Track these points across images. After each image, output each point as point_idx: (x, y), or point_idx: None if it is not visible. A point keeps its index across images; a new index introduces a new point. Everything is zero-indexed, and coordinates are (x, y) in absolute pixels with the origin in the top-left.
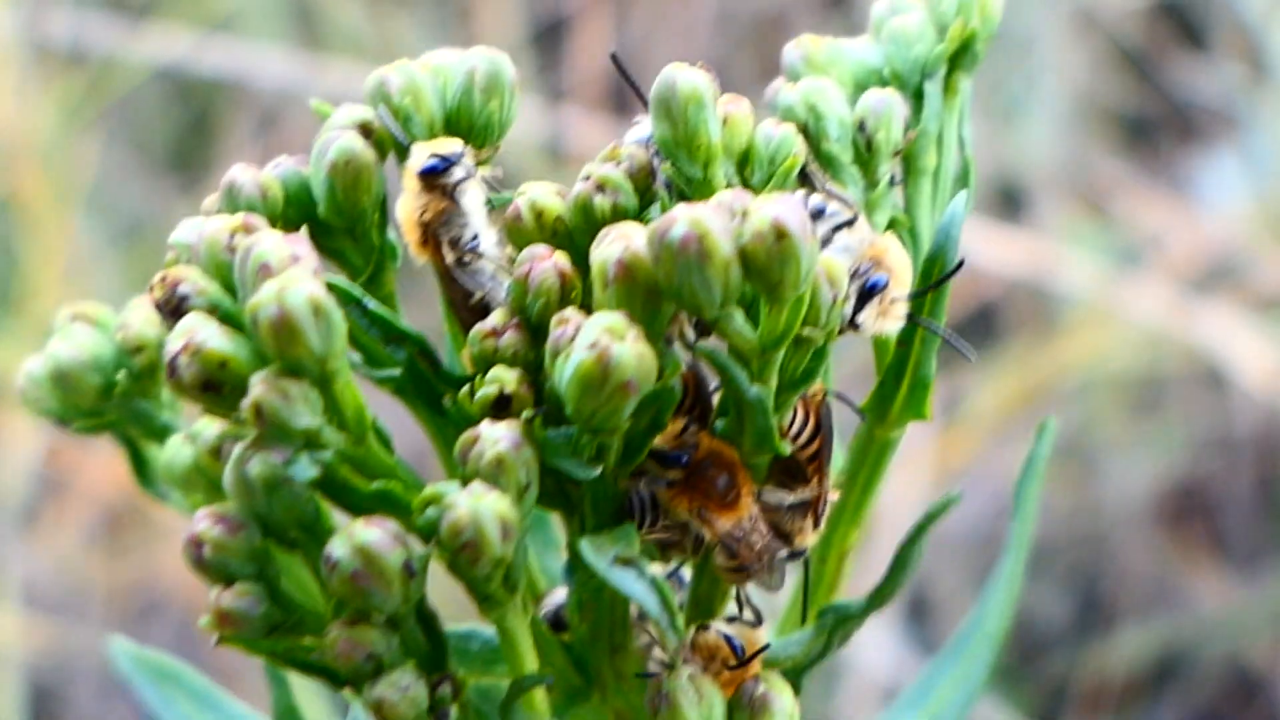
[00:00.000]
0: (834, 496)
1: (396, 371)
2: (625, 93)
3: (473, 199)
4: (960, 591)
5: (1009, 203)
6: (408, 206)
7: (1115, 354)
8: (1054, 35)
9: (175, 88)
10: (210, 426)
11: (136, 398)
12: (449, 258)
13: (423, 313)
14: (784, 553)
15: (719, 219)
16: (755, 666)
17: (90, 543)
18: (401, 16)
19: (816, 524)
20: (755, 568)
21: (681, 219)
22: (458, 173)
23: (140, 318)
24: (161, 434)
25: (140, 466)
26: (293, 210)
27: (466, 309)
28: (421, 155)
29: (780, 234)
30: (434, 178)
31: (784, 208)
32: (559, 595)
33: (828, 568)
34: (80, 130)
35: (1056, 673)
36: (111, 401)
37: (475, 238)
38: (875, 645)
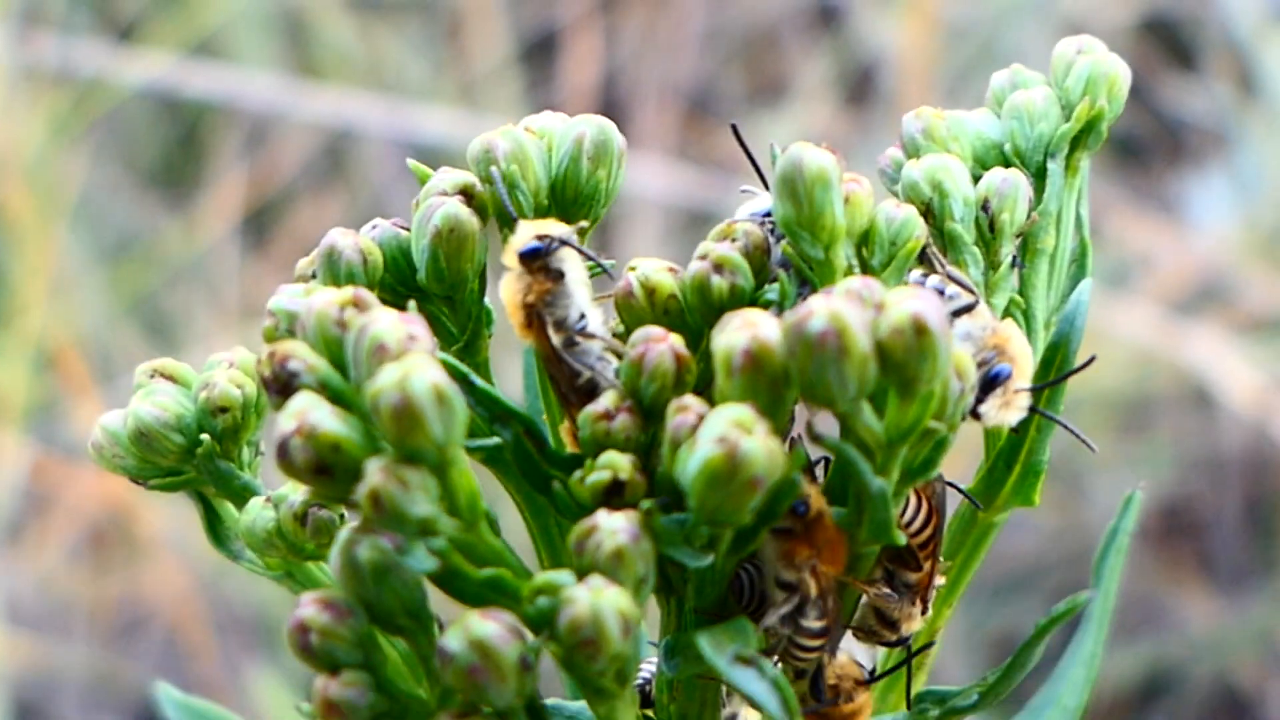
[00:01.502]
0: (940, 581)
1: (493, 440)
2: (616, 110)
3: (576, 278)
4: (958, 615)
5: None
6: (510, 288)
7: (1103, 374)
8: (1043, 54)
9: (162, 104)
10: (295, 491)
11: (218, 459)
12: (556, 340)
13: (506, 375)
14: (890, 638)
15: (857, 312)
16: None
17: (75, 559)
18: (390, 33)
19: (925, 610)
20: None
21: (820, 312)
22: (561, 253)
23: (224, 377)
24: (240, 494)
25: (214, 525)
26: (390, 276)
27: (573, 389)
28: (525, 235)
29: (920, 329)
30: (536, 259)
31: (924, 304)
32: (644, 671)
33: (918, 642)
34: (67, 146)
35: None
36: (192, 461)
37: (582, 318)
38: None
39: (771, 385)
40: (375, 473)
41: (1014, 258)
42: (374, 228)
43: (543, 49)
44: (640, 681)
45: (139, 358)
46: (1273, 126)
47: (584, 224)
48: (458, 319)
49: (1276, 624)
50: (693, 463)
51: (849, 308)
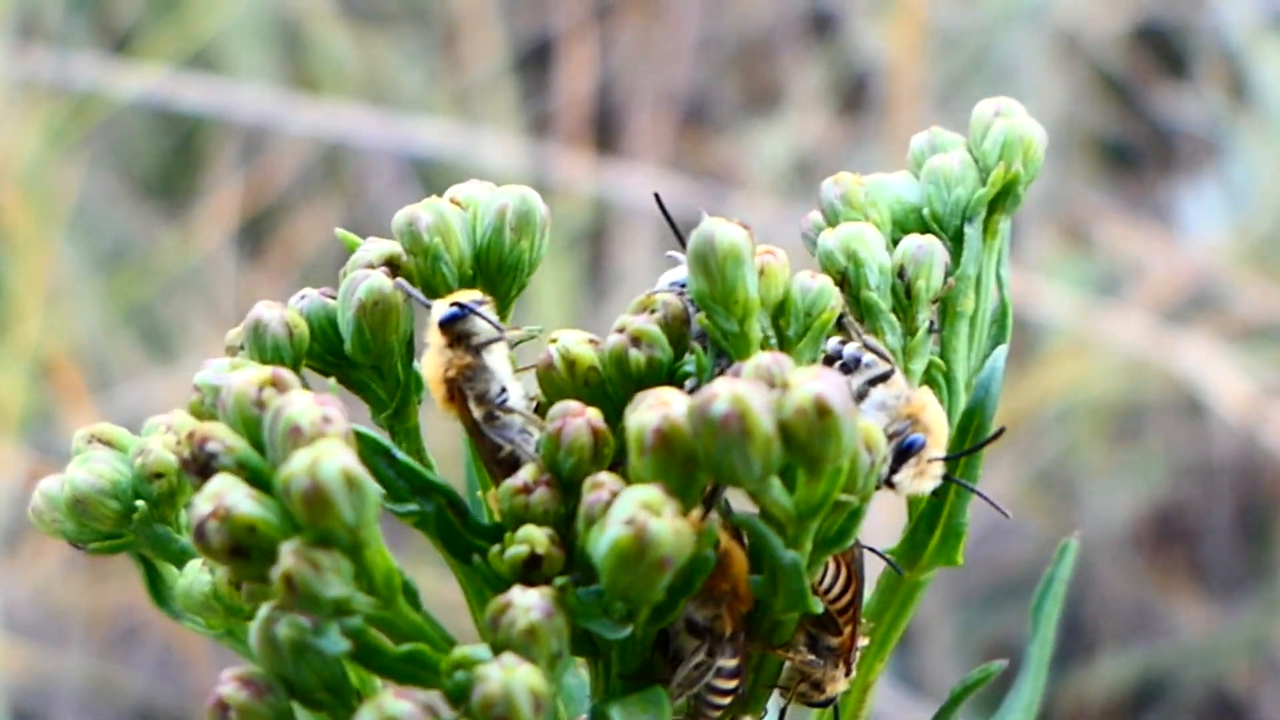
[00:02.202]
0: (864, 643)
1: (415, 507)
2: (609, 122)
3: (498, 352)
4: (941, 620)
5: None
6: (432, 363)
7: (1095, 382)
8: (1035, 62)
9: (158, 115)
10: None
11: (155, 523)
12: (477, 414)
13: (443, 436)
14: (817, 699)
15: (760, 395)
16: None
17: (71, 568)
18: (386, 44)
19: (848, 672)
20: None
21: (722, 395)
22: (479, 325)
23: (159, 443)
24: (179, 558)
25: (156, 588)
26: (318, 345)
27: (495, 462)
28: (442, 306)
29: (823, 411)
30: (455, 325)
31: (827, 385)
32: None
33: (850, 700)
34: (63, 156)
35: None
36: (130, 526)
37: (503, 391)
38: None
39: (683, 464)
40: (288, 555)
41: (931, 323)
42: (302, 298)
43: (538, 58)
44: None
45: (135, 367)
46: (1265, 134)
47: (509, 297)
48: (386, 386)
49: (1269, 630)
50: (603, 543)
51: (751, 390)
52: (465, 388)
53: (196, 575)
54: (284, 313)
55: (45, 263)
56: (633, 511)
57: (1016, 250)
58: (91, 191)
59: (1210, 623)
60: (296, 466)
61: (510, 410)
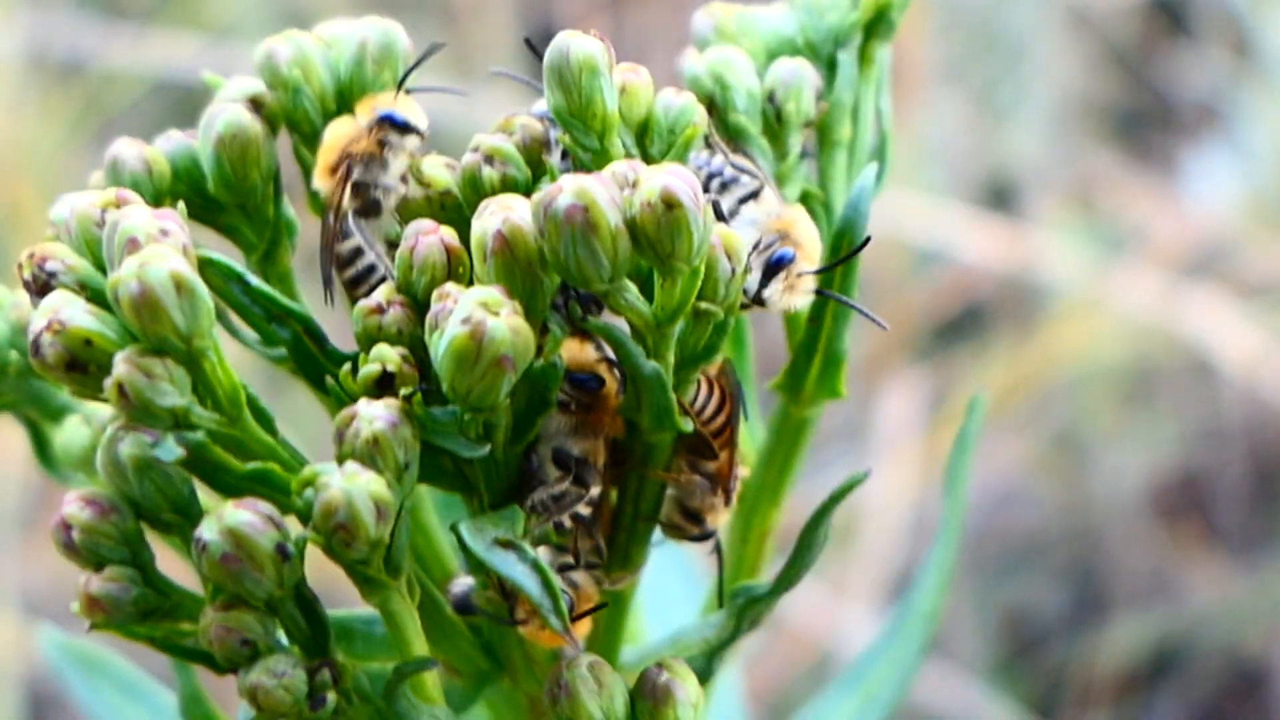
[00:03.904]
0: (743, 473)
1: (280, 351)
2: None
3: (396, 170)
4: (956, 589)
5: (998, 198)
6: (340, 130)
7: (1104, 346)
8: (1044, 29)
9: (175, 101)
10: (107, 406)
11: (32, 378)
12: (351, 202)
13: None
14: (694, 532)
15: (606, 189)
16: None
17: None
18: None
19: (727, 501)
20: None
21: (567, 189)
22: (406, 143)
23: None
24: (60, 415)
25: (42, 449)
26: (183, 186)
27: (343, 281)
28: (401, 103)
29: (670, 203)
30: (388, 129)
31: (674, 177)
32: (467, 579)
33: (748, 550)
34: (79, 144)
35: (1052, 666)
36: (7, 382)
37: (386, 193)
38: (862, 636)
39: (526, 268)
40: (120, 363)
41: (805, 149)
42: (166, 139)
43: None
44: (463, 590)
45: None
46: (1271, 95)
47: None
48: (255, 227)
49: None
50: (442, 344)
51: (598, 185)
52: (356, 168)
53: (75, 429)
54: (143, 149)
55: None
56: (469, 310)
57: (1023, 215)
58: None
59: (1227, 587)
60: (124, 271)
61: (378, 213)
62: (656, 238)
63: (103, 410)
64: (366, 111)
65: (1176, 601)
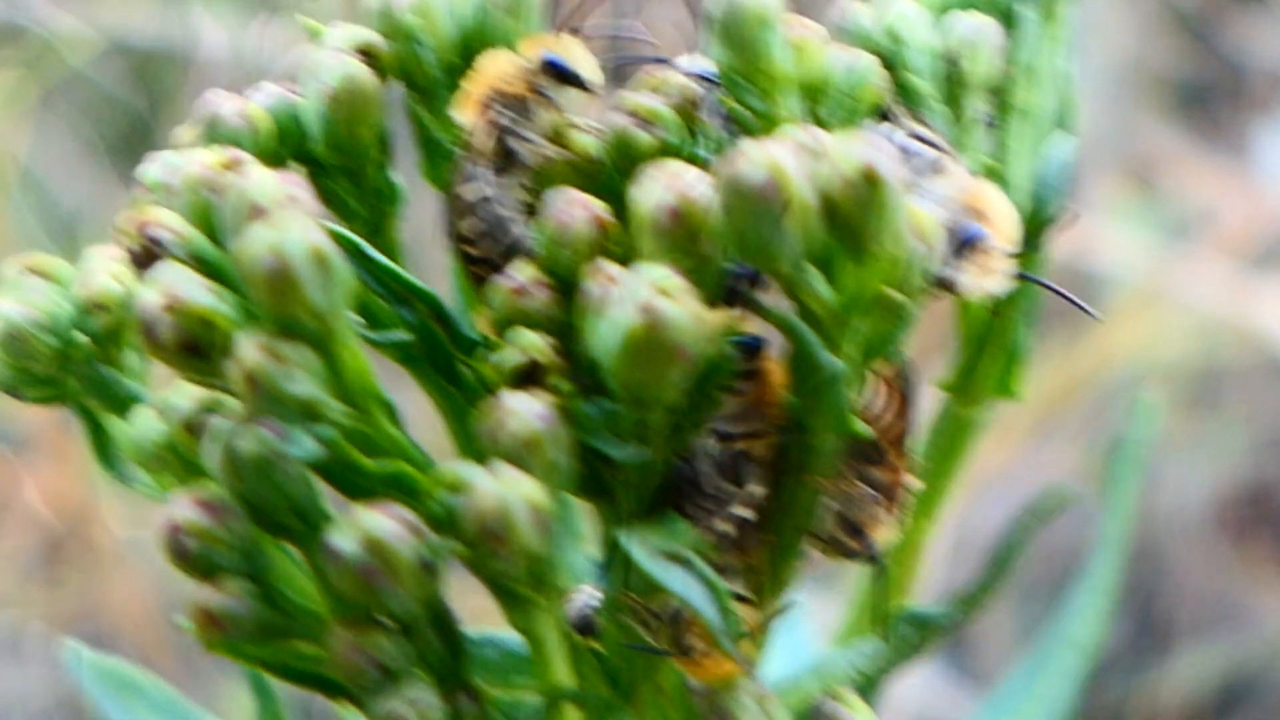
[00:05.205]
0: (915, 484)
1: (404, 335)
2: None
3: (543, 123)
4: (994, 606)
5: None
6: (499, 65)
7: (1168, 342)
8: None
9: (126, 70)
10: (185, 397)
11: (98, 364)
12: (490, 144)
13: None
14: (854, 548)
15: (799, 161)
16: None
17: (28, 574)
18: None
19: (894, 514)
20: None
21: (756, 160)
22: (567, 94)
23: (102, 271)
24: (127, 406)
25: (102, 444)
26: (281, 146)
27: (476, 249)
28: (571, 50)
29: (872, 180)
30: (552, 74)
31: (875, 151)
32: (587, 596)
33: (896, 567)
34: (17, 114)
35: (1110, 699)
36: (70, 368)
37: (527, 146)
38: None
39: (701, 248)
40: (248, 347)
41: (987, 117)
42: (264, 93)
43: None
44: (582, 608)
45: None
46: None
47: None
48: (361, 196)
49: None
50: (610, 332)
51: (788, 153)
52: (505, 109)
53: (148, 423)
54: (244, 105)
55: None
56: (643, 294)
57: (1078, 196)
58: (48, 153)
59: None
60: (257, 242)
61: (513, 166)
62: (854, 217)
63: (183, 401)
64: (531, 50)
65: (1246, 629)
